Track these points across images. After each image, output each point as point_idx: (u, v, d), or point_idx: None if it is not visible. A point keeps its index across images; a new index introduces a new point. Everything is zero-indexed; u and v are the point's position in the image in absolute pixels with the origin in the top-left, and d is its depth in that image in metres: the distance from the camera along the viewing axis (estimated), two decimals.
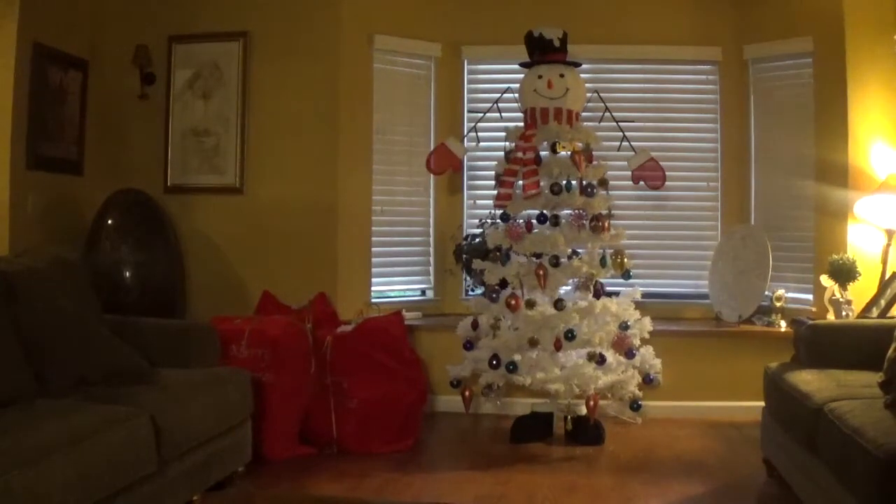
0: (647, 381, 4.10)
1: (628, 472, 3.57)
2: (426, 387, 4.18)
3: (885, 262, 4.25)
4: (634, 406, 4.09)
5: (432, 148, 4.79)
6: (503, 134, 4.25)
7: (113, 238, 4.24)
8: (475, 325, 4.13)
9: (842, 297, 4.22)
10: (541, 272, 3.88)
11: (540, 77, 4.08)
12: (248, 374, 3.38)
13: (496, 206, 4.19)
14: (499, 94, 4.41)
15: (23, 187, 4.04)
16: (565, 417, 4.05)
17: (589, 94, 4.28)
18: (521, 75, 4.23)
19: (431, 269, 5.07)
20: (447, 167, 4.57)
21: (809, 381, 3.01)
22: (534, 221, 4.02)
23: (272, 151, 4.67)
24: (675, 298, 4.98)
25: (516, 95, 4.26)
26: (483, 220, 4.76)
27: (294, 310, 4.25)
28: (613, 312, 4.01)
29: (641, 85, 5.01)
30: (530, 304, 3.93)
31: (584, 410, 3.94)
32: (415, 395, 3.96)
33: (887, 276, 4.17)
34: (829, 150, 4.44)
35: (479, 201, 5.01)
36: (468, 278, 4.86)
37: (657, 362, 4.10)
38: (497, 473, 3.55)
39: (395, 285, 4.97)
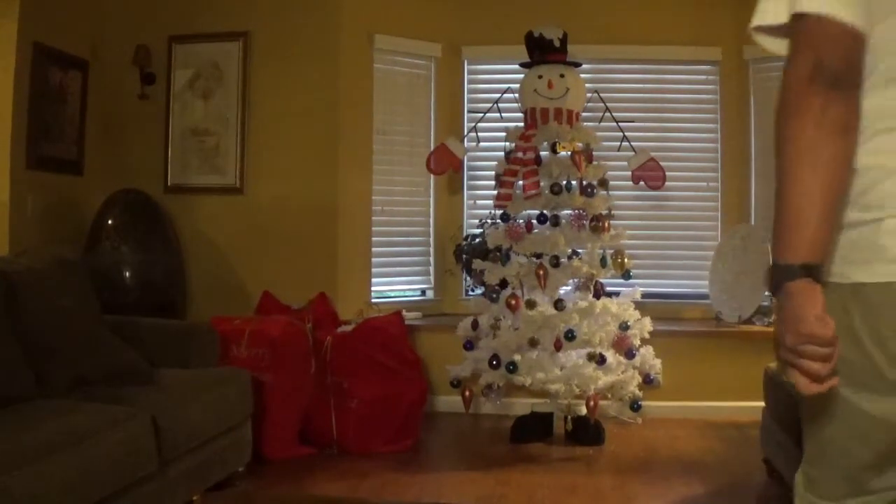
0: (647, 381, 4.10)
1: (628, 472, 3.57)
2: (426, 387, 4.18)
3: None
4: (634, 406, 4.09)
5: (432, 148, 4.79)
6: (503, 134, 4.25)
7: (113, 238, 4.24)
8: (475, 325, 4.13)
9: None
10: (541, 272, 3.88)
11: (540, 77, 4.08)
12: (248, 374, 3.38)
13: (496, 206, 4.19)
14: (499, 95, 4.42)
15: (23, 187, 4.04)
16: (565, 417, 4.05)
17: (589, 94, 4.28)
18: (521, 75, 4.23)
19: (431, 269, 5.07)
20: (447, 167, 4.57)
21: None
22: (534, 221, 4.02)
23: (272, 151, 4.67)
24: (675, 298, 4.98)
25: (516, 95, 4.26)
26: (483, 220, 4.76)
27: (294, 310, 4.24)
28: (613, 312, 4.01)
29: (641, 85, 5.01)
30: (530, 305, 3.94)
31: (584, 410, 3.94)
32: (415, 395, 3.96)
33: None
34: None
35: (479, 201, 5.01)
36: (468, 278, 4.86)
37: (657, 362, 4.11)
38: (497, 473, 3.55)
39: (395, 285, 4.97)
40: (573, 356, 3.97)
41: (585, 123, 4.29)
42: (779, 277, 1.22)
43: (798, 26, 1.25)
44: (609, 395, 4.07)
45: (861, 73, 1.26)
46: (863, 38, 1.24)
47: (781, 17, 1.28)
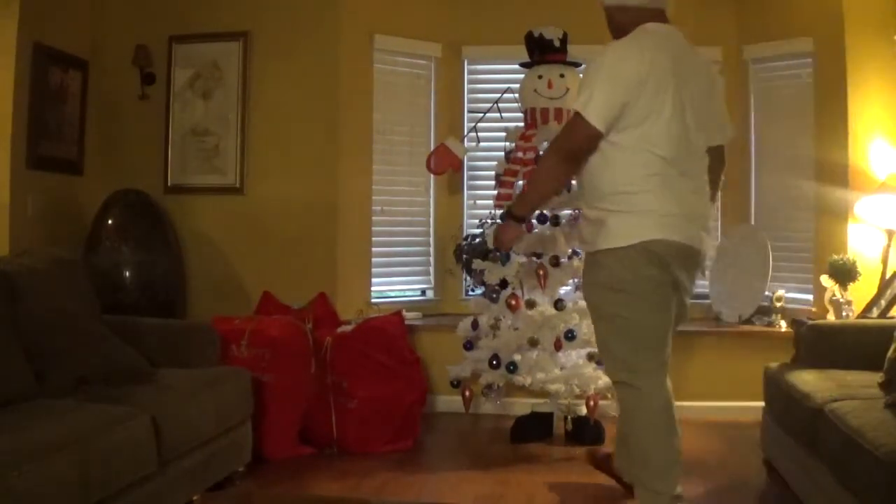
0: None
1: None
2: (426, 387, 4.18)
3: (885, 263, 4.24)
4: None
5: (432, 148, 4.79)
6: (503, 134, 4.25)
7: (113, 238, 4.24)
8: (475, 325, 4.13)
9: (842, 297, 4.22)
10: (541, 272, 3.88)
11: (540, 77, 4.08)
12: (248, 374, 3.38)
13: (496, 206, 4.19)
14: (499, 94, 4.42)
15: (23, 187, 4.04)
16: (565, 417, 4.05)
17: None
18: (521, 75, 4.23)
19: (431, 269, 5.07)
20: (447, 167, 4.57)
21: (809, 381, 3.01)
22: (534, 221, 4.01)
23: (272, 151, 4.67)
24: None
25: (516, 95, 4.26)
26: (483, 220, 4.76)
27: (294, 310, 4.24)
28: None
29: None
30: (530, 304, 3.93)
31: (584, 410, 3.94)
32: (415, 395, 3.96)
33: (887, 277, 4.17)
34: (829, 150, 4.43)
35: (479, 201, 5.00)
36: (468, 278, 4.85)
37: None
38: (497, 473, 3.55)
39: (395, 285, 4.97)
40: (573, 356, 3.97)
41: None
42: (511, 216, 2.92)
43: (575, 116, 2.66)
44: (609, 395, 4.06)
45: (590, 153, 2.70)
46: (601, 135, 2.64)
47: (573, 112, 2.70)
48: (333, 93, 4.65)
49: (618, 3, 2.90)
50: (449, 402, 4.48)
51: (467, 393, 4.10)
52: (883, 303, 4.05)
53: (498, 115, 4.41)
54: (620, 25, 2.89)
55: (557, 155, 2.74)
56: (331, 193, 4.64)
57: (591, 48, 4.63)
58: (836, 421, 2.48)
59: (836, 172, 4.40)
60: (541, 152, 4.05)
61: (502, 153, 4.22)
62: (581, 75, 3.08)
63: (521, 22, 4.32)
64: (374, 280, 4.82)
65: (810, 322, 3.61)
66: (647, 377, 2.71)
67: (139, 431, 2.51)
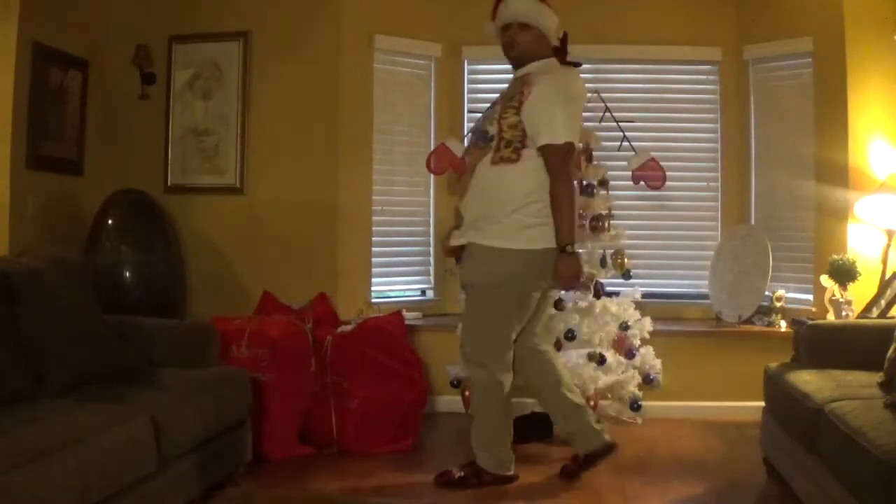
0: (647, 381, 4.10)
1: (628, 472, 3.56)
2: (426, 387, 4.18)
3: (885, 263, 4.24)
4: (634, 406, 4.09)
5: (432, 148, 4.79)
6: None
7: (113, 238, 4.24)
8: None
9: (842, 297, 4.22)
10: None
11: None
12: (248, 374, 3.38)
13: None
14: (498, 94, 4.40)
15: (23, 187, 4.04)
16: None
17: (589, 94, 4.26)
18: None
19: (431, 269, 5.07)
20: (447, 167, 4.56)
21: (809, 381, 3.01)
22: None
23: (272, 151, 4.67)
24: (675, 298, 4.98)
25: None
26: None
27: (294, 310, 4.24)
28: (613, 312, 4.01)
29: (641, 85, 5.01)
30: None
31: None
32: (415, 395, 3.96)
33: (887, 277, 4.17)
34: (829, 150, 4.44)
35: None
36: None
37: (657, 362, 4.10)
38: None
39: (395, 285, 4.97)
40: (573, 356, 3.96)
41: (585, 123, 4.28)
42: (570, 247, 3.08)
43: (566, 144, 3.12)
44: (609, 395, 4.06)
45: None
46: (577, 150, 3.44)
47: (562, 140, 3.12)
48: (333, 93, 4.65)
49: (545, 30, 3.30)
50: (449, 402, 4.48)
51: (467, 393, 4.09)
52: (883, 303, 4.05)
53: None
54: (527, 51, 3.27)
55: (567, 179, 3.13)
56: (331, 193, 4.64)
57: (592, 48, 4.68)
58: (836, 421, 2.48)
59: (836, 172, 4.40)
60: None
61: None
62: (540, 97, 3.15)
63: None
64: (374, 280, 4.82)
65: (810, 322, 3.61)
66: (498, 360, 3.28)
67: (139, 431, 2.51)
